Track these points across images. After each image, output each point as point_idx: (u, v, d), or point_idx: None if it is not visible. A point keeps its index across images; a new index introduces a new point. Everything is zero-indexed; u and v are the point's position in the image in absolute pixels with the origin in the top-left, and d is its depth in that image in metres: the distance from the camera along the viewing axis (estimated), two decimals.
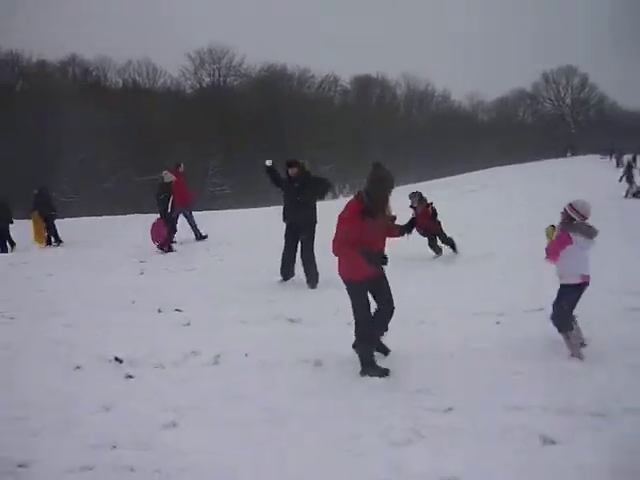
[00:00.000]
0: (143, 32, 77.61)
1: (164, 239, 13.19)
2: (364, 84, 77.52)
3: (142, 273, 11.05)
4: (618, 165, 34.47)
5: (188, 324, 7.26)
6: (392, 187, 5.18)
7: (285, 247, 9.37)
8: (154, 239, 13.40)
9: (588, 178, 26.51)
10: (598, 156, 45.91)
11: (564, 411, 4.33)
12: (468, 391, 4.74)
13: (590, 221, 5.35)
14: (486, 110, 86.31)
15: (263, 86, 65.81)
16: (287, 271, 9.40)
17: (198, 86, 67.29)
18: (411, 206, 10.94)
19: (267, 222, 16.01)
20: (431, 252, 10.92)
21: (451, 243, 10.98)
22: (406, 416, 4.39)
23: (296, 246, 9.28)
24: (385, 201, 5.18)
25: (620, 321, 6.29)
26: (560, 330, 5.40)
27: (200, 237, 14.66)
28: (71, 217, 24.91)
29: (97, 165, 48.33)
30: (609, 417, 4.24)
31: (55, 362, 5.84)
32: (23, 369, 5.63)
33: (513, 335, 6.04)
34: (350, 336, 5.48)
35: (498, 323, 6.66)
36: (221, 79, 68.12)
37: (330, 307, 7.75)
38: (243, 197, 47.40)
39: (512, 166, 42.77)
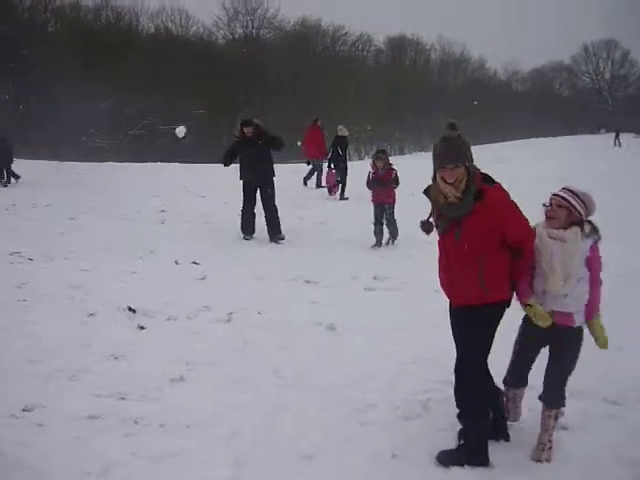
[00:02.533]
0: None
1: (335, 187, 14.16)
2: (398, 45, 75.90)
3: (163, 223, 11.02)
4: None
5: (204, 278, 7.23)
6: None
7: (245, 205, 9.66)
8: (330, 190, 14.26)
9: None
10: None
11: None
12: None
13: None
14: (521, 80, 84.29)
15: (296, 40, 64.69)
16: (248, 228, 9.67)
17: (231, 37, 66.35)
18: (374, 165, 9.37)
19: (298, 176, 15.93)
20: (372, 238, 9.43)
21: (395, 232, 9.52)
22: (417, 391, 4.32)
23: (254, 203, 9.61)
24: None
25: None
26: (560, 405, 3.54)
27: (320, 186, 15.30)
28: (98, 162, 25.00)
29: (125, 111, 48.14)
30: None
31: (70, 307, 5.84)
32: (38, 312, 5.62)
33: None
34: (366, 301, 5.40)
35: None
36: (254, 31, 67.03)
37: (349, 271, 7.70)
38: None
39: (544, 139, 41.79)
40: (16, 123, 42.86)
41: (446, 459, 3.31)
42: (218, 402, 4.05)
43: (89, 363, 4.56)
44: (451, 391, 3.47)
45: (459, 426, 3.43)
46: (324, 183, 14.91)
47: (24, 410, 3.81)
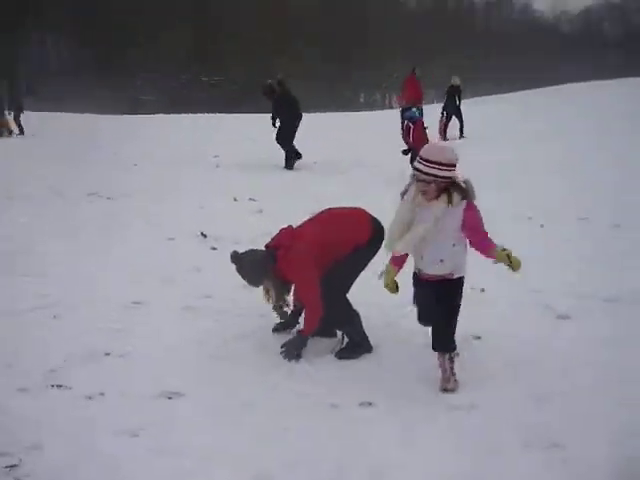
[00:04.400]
0: None
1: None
2: None
3: (218, 166, 12.03)
4: None
5: (261, 211, 8.20)
6: None
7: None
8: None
9: None
10: None
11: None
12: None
13: None
14: (569, 20, 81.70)
15: None
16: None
17: None
18: None
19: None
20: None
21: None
22: None
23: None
24: None
25: None
26: (448, 350, 3.75)
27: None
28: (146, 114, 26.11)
29: (168, 64, 49.06)
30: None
31: (152, 234, 6.91)
32: (127, 237, 6.71)
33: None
34: None
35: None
36: None
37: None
38: (310, 102, 47.57)
39: (588, 83, 40.95)
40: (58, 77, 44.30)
41: (342, 354, 4.08)
42: None
43: (175, 273, 5.61)
44: None
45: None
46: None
47: (134, 303, 4.90)
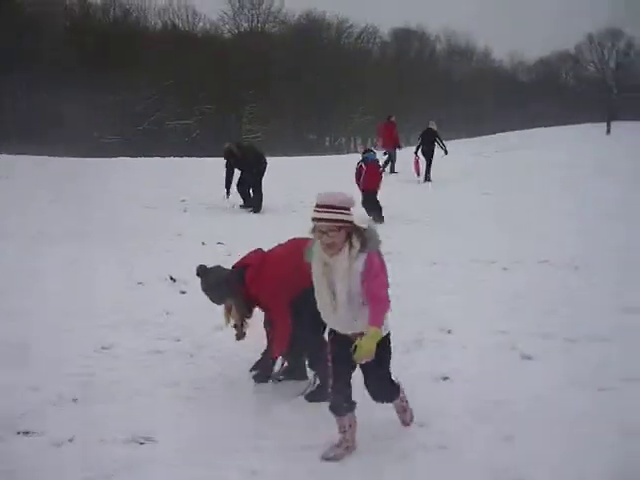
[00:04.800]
0: None
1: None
2: (403, 37, 76.54)
3: (185, 211, 12.07)
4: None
5: (229, 255, 8.23)
6: None
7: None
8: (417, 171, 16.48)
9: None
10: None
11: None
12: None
13: None
14: (527, 70, 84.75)
15: (301, 34, 65.54)
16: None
17: (236, 31, 67.26)
18: None
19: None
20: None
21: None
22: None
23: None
24: None
25: None
26: (397, 397, 3.67)
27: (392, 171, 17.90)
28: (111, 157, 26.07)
29: (134, 108, 49.22)
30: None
31: (122, 278, 6.89)
32: (95, 282, 6.68)
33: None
34: None
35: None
36: (259, 25, 67.89)
37: None
38: (275, 145, 48.27)
39: (548, 128, 42.34)
40: (27, 121, 44.16)
41: (313, 397, 4.06)
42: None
43: (147, 317, 5.62)
44: None
45: None
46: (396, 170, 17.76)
47: (103, 348, 4.90)
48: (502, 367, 4.65)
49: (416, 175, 16.53)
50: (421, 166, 16.56)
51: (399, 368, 4.44)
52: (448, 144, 17.68)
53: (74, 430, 3.58)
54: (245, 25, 67.83)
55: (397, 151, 18.32)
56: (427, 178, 16.42)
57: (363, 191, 10.99)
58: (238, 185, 12.28)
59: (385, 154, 18.15)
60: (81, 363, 4.56)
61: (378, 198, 11.13)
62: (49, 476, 3.17)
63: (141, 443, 3.50)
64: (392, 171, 18.04)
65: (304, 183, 15.15)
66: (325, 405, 3.54)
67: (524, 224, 10.32)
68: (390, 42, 77.24)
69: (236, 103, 54.88)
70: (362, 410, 3.87)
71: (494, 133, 39.25)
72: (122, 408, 3.90)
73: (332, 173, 17.67)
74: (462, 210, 12.07)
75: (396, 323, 5.21)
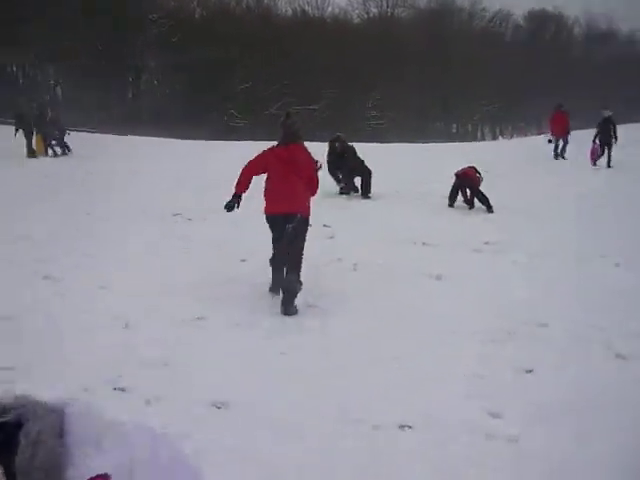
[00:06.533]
0: None
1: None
2: (539, 20, 73.03)
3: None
4: None
5: (332, 237, 8.40)
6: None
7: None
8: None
9: None
10: None
11: None
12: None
13: None
14: None
15: (432, 18, 64.40)
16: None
17: (365, 16, 67.27)
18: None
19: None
20: None
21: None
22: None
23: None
24: None
25: None
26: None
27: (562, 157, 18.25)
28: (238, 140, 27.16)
29: (263, 92, 50.77)
30: None
31: (225, 256, 7.24)
32: (198, 256, 7.10)
33: None
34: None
35: None
36: (389, 10, 67.47)
37: (460, 236, 8.53)
38: (403, 131, 48.03)
39: None
40: (165, 108, 46.92)
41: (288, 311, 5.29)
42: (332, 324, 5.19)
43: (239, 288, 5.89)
44: None
45: None
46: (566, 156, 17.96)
47: (198, 319, 5.19)
48: (591, 365, 4.44)
49: (591, 164, 16.64)
50: (596, 154, 16.75)
51: (483, 357, 4.42)
52: (584, 132, 17.44)
53: (164, 390, 3.87)
54: (374, 10, 67.73)
55: (568, 137, 18.46)
56: (609, 165, 16.55)
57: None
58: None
59: (550, 141, 18.62)
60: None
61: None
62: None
63: (218, 407, 3.71)
64: (561, 156, 18.27)
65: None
66: None
67: None
68: (524, 26, 74.01)
69: (363, 89, 55.02)
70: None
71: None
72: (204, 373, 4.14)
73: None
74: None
75: (493, 312, 5.19)
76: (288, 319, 5.24)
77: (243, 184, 5.61)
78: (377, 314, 5.39)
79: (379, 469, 3.16)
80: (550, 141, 18.72)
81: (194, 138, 29.00)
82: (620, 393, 3.98)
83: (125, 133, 31.45)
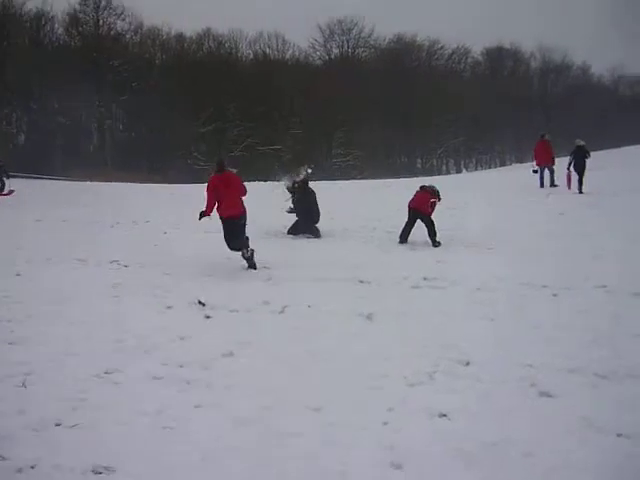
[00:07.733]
0: (274, 4, 78.67)
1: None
2: (496, 56, 74.92)
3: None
4: None
5: (269, 279, 8.17)
6: None
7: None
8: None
9: None
10: None
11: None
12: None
13: None
14: (629, 84, 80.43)
15: (392, 58, 65.60)
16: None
17: (327, 57, 68.24)
18: None
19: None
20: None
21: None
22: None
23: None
24: None
25: None
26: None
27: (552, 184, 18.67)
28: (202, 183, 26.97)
29: (226, 134, 50.94)
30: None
31: (153, 302, 6.96)
32: (128, 305, 6.80)
33: None
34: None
35: None
36: (350, 50, 68.58)
37: (401, 273, 8.36)
38: (367, 169, 48.43)
39: None
40: (127, 151, 46.81)
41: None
42: (264, 370, 4.91)
43: (161, 342, 5.59)
44: None
45: None
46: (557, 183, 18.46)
47: (106, 373, 4.87)
48: (513, 405, 4.24)
49: (568, 188, 17.23)
50: (573, 180, 17.33)
51: (397, 402, 4.20)
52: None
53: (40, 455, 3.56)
54: (336, 51, 68.78)
55: (553, 166, 18.91)
56: (580, 190, 17.02)
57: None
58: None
59: (535, 172, 19.05)
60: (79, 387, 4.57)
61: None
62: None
63: (99, 473, 3.42)
64: (552, 185, 18.62)
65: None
66: None
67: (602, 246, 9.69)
68: (482, 62, 75.83)
69: (327, 127, 55.47)
70: None
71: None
72: (94, 435, 3.84)
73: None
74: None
75: (416, 352, 4.98)
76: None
77: (210, 207, 8.65)
78: (288, 360, 5.15)
79: None
80: (535, 171, 19.09)
81: (158, 182, 28.79)
82: (541, 433, 3.79)
83: (88, 179, 31.14)
